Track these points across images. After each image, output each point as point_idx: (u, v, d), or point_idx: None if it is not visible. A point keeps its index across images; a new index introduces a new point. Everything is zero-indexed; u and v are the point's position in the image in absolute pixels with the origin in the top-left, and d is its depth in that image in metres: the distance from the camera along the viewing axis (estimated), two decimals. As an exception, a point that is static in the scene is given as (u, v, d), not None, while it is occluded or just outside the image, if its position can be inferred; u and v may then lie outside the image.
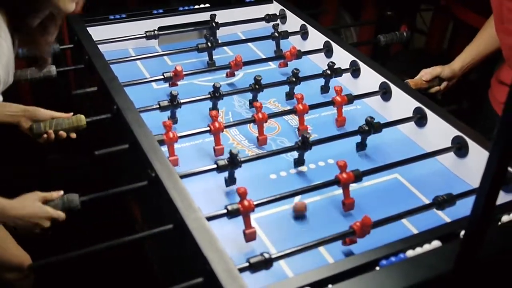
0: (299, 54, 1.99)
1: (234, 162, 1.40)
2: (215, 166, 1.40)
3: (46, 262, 1.16)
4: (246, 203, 1.23)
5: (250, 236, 1.27)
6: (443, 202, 1.33)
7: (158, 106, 1.64)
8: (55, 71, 1.76)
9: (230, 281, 1.02)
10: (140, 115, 1.53)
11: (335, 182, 1.37)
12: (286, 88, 1.86)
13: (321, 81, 1.90)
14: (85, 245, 1.16)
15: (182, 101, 1.66)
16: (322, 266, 1.10)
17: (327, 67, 1.88)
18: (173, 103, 1.65)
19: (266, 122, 1.62)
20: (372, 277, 1.06)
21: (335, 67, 1.88)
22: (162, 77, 1.80)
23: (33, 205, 1.28)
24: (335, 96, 1.73)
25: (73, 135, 1.55)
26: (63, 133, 1.52)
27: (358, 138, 1.62)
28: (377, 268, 1.09)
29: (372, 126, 1.58)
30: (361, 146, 1.62)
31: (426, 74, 1.88)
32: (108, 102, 1.62)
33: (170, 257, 1.40)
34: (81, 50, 1.90)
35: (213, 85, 1.70)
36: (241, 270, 1.08)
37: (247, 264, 1.10)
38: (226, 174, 1.44)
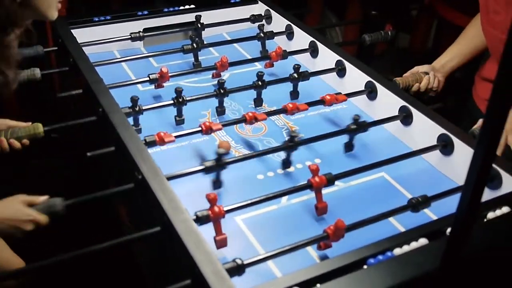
0: (284, 54, 1.99)
1: (220, 163, 1.39)
2: (202, 167, 1.40)
3: (32, 267, 1.15)
4: (216, 209, 1.21)
5: (220, 243, 1.24)
6: (417, 204, 1.32)
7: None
8: (39, 74, 1.74)
9: (218, 282, 1.02)
10: (126, 117, 1.53)
11: (308, 186, 1.35)
12: (273, 89, 1.85)
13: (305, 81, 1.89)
14: (72, 249, 1.15)
15: (144, 107, 1.64)
16: (310, 265, 1.10)
17: (293, 71, 1.85)
18: (135, 110, 1.62)
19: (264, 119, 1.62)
20: (360, 275, 1.06)
21: (300, 70, 1.85)
22: (147, 79, 1.79)
23: (15, 208, 1.26)
24: (325, 95, 1.73)
25: (26, 142, 1.49)
26: (14, 141, 1.47)
27: (344, 138, 1.62)
28: (365, 266, 1.09)
29: (360, 125, 1.58)
30: (349, 147, 1.62)
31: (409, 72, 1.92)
32: (93, 105, 1.61)
33: (158, 259, 1.40)
34: (66, 53, 1.89)
35: (175, 89, 1.67)
36: (229, 271, 1.08)
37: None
38: (213, 176, 1.43)
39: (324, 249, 1.24)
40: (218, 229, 1.23)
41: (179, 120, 1.71)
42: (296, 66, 1.85)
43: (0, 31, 1.24)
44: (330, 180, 1.36)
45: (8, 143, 1.46)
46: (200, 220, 1.20)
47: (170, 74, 1.80)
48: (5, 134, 1.47)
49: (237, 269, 1.09)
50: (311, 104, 1.72)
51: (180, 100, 1.67)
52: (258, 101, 1.83)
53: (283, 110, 1.67)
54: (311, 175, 1.35)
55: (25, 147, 1.50)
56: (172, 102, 1.68)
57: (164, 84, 1.83)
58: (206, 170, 1.39)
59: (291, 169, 1.56)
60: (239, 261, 1.09)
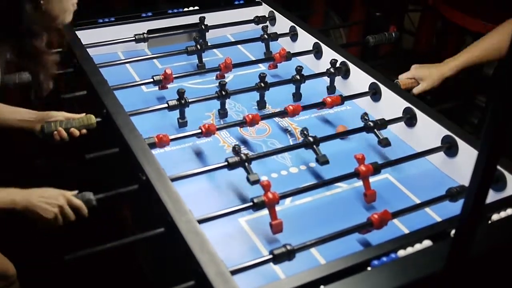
0: (288, 56, 1.99)
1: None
2: (207, 168, 1.42)
3: (34, 267, 1.15)
4: (270, 195, 1.26)
5: (276, 228, 1.29)
6: (456, 194, 1.36)
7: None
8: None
9: (221, 283, 1.02)
10: (130, 118, 1.53)
11: (355, 174, 1.40)
12: (277, 90, 1.85)
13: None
14: (75, 250, 1.16)
15: (148, 109, 1.66)
16: (314, 267, 1.10)
17: (295, 72, 1.85)
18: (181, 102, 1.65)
19: (257, 124, 1.63)
20: (363, 277, 1.06)
21: (303, 71, 1.85)
22: (151, 80, 1.79)
23: (52, 190, 1.32)
24: (326, 97, 1.73)
25: (84, 132, 1.55)
26: (75, 130, 1.52)
27: (351, 139, 1.62)
28: (369, 268, 1.09)
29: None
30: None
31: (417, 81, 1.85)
32: (97, 106, 1.61)
33: (162, 260, 1.40)
34: (70, 54, 1.89)
35: (177, 91, 1.66)
36: (233, 272, 1.08)
37: (270, 256, 1.13)
38: (217, 177, 1.43)
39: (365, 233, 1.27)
40: (273, 214, 1.28)
41: (182, 123, 1.71)
42: (298, 67, 1.85)
43: (31, 36, 1.27)
44: (376, 168, 1.41)
45: (68, 132, 1.52)
46: (257, 205, 1.25)
47: (174, 76, 1.81)
48: (60, 124, 1.52)
49: (287, 254, 1.13)
50: (311, 106, 1.74)
51: (183, 102, 1.68)
52: (261, 104, 1.83)
53: (284, 112, 1.68)
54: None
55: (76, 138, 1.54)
56: (174, 103, 1.67)
57: (168, 86, 1.83)
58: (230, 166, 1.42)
59: (295, 170, 1.56)
60: (289, 247, 1.14)
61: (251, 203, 1.27)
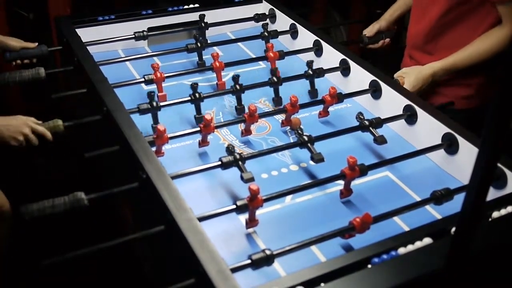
0: (281, 54, 1.96)
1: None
2: (207, 166, 1.42)
3: (35, 266, 1.15)
4: (254, 200, 1.26)
5: (251, 225, 1.31)
6: (440, 197, 1.33)
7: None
8: (44, 73, 1.75)
9: (222, 281, 1.02)
10: (130, 116, 1.53)
11: (341, 176, 1.39)
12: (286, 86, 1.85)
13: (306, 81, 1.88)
14: (76, 248, 1.16)
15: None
16: (314, 264, 1.10)
17: (307, 68, 1.86)
18: (153, 106, 1.63)
19: (256, 121, 1.62)
20: (364, 275, 1.06)
21: (314, 67, 1.86)
22: (143, 79, 1.78)
23: (18, 118, 1.51)
24: (326, 95, 1.73)
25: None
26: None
27: (351, 136, 1.62)
28: (369, 266, 1.09)
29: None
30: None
31: (368, 32, 2.17)
32: (97, 104, 1.61)
33: (162, 258, 1.40)
34: (70, 52, 1.89)
35: (191, 85, 1.67)
36: (233, 270, 1.08)
37: (249, 261, 1.11)
38: (217, 175, 1.43)
39: (348, 238, 1.26)
40: (252, 216, 1.29)
41: (199, 118, 1.70)
42: (309, 61, 1.85)
43: None
44: (363, 170, 1.39)
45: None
46: (240, 208, 1.25)
47: (174, 73, 1.81)
48: None
49: (266, 260, 1.12)
50: (311, 104, 1.73)
51: (197, 96, 1.68)
52: (278, 101, 1.82)
53: (282, 111, 1.67)
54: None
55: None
56: (189, 98, 1.68)
57: (168, 84, 1.83)
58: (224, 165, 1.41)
59: (295, 167, 1.56)
60: (268, 252, 1.12)
61: (234, 206, 1.25)
